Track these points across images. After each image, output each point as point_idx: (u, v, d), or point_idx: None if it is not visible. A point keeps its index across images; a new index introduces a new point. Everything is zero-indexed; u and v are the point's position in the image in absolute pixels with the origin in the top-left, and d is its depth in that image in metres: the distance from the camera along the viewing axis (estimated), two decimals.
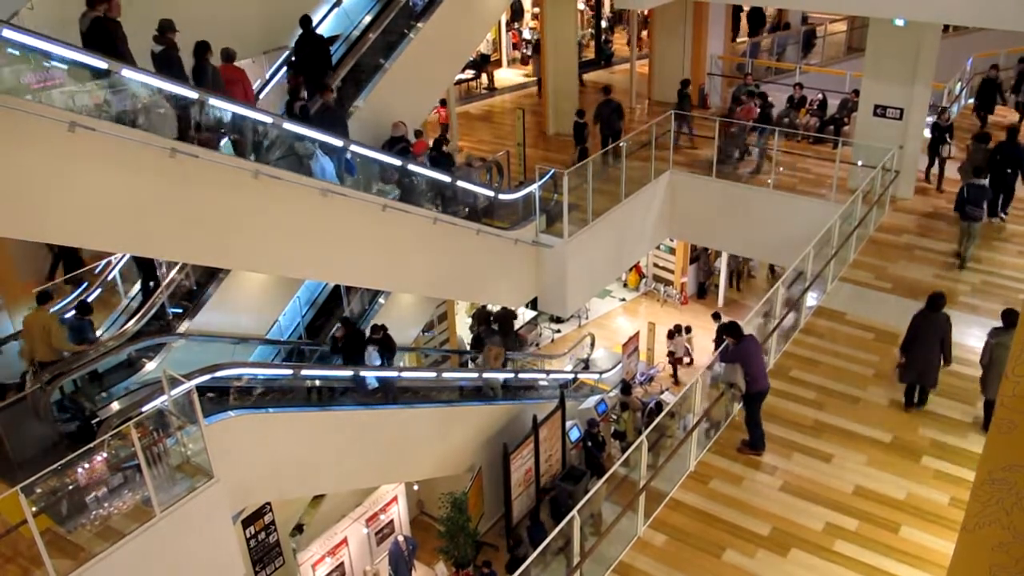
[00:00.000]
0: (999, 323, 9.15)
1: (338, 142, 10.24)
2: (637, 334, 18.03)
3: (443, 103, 19.58)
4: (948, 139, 14.93)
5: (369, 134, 11.79)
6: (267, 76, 12.16)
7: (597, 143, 15.56)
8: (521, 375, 15.39)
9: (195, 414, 7.60)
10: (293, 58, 11.73)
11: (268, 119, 9.70)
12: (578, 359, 17.80)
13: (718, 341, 15.55)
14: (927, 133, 15.01)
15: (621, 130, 15.58)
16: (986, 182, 12.57)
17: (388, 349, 11.80)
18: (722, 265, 20.05)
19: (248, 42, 11.34)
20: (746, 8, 22.39)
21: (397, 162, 11.31)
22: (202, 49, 9.46)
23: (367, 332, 11.86)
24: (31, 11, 8.57)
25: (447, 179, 12.23)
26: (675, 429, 9.74)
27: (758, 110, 15.86)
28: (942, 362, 9.43)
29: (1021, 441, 4.38)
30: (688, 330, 18.06)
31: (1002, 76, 17.76)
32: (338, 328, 11.92)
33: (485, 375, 13.82)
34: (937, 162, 15.04)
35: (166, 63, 8.97)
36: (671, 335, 17.77)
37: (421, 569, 13.30)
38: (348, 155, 10.41)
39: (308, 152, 9.81)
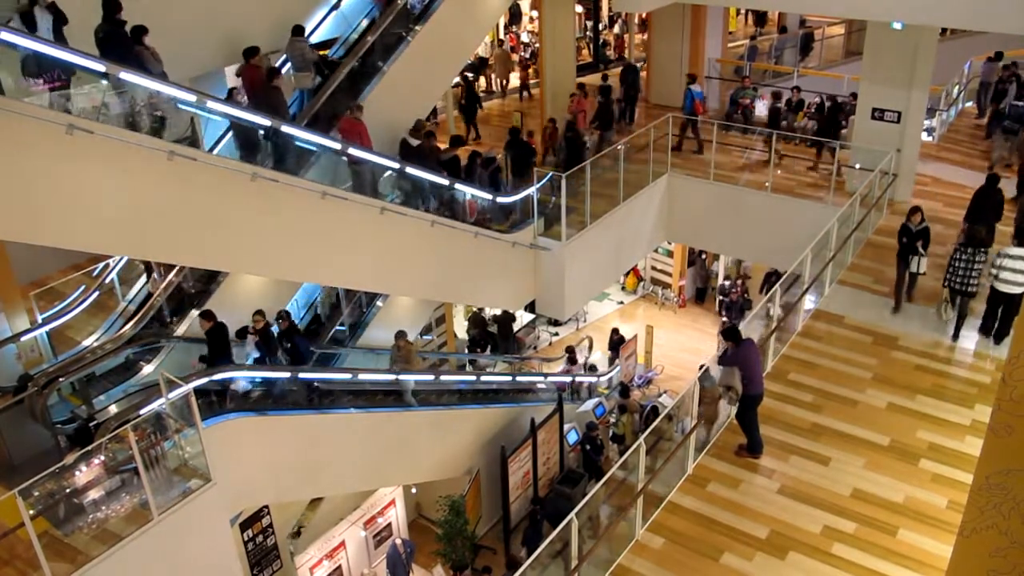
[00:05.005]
0: None
1: (482, 192, 12.91)
2: (635, 337, 18.02)
3: (514, 49, 21.96)
4: (921, 249, 11.02)
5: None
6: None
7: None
8: (519, 378, 15.33)
9: (193, 417, 7.59)
10: None
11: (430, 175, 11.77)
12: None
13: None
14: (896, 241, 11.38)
15: (641, 89, 18.94)
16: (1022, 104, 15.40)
17: (268, 342, 10.25)
18: (720, 268, 20.04)
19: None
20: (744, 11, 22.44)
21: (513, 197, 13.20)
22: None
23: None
24: None
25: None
26: (673, 432, 9.75)
27: (586, 101, 16.89)
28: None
29: (1018, 445, 4.37)
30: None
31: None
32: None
33: (400, 378, 11.84)
34: (907, 278, 11.33)
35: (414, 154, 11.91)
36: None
37: (419, 572, 13.27)
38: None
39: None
